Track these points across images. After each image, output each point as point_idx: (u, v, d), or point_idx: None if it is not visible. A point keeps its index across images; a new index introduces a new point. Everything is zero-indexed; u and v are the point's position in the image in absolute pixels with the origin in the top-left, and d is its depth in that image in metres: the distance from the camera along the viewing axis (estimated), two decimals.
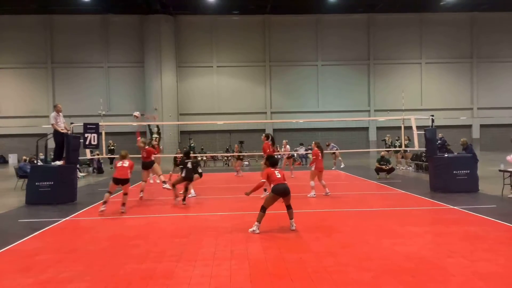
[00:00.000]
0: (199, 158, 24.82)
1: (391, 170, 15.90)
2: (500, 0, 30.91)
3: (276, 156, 8.76)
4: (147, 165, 11.68)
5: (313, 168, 11.42)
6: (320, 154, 11.31)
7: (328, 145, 20.81)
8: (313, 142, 11.98)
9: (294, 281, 4.77)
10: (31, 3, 29.63)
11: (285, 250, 6.04)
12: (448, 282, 4.66)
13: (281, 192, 7.10)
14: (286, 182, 7.26)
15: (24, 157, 16.59)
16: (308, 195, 11.21)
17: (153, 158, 11.86)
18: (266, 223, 7.38)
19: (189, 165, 10.29)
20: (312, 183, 11.32)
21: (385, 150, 18.17)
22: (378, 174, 16.06)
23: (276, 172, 7.28)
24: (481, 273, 4.94)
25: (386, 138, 21.48)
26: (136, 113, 14.86)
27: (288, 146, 19.42)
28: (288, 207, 7.24)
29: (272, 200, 7.12)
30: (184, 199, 10.11)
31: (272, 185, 7.23)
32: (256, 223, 7.05)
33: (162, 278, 4.97)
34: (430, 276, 4.86)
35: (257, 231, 6.97)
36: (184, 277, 5.00)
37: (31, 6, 30.01)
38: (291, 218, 7.24)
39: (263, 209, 7.07)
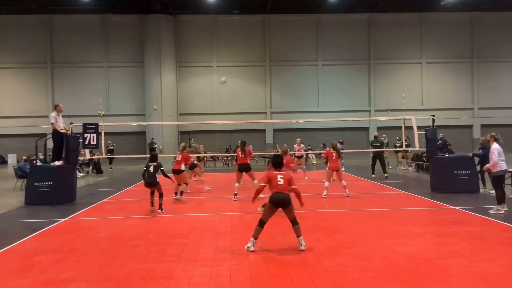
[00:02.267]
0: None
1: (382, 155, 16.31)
2: (501, 0, 30.88)
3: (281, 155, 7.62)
4: (178, 172, 11.22)
5: (327, 168, 11.87)
6: (333, 154, 11.51)
7: (342, 143, 21.00)
8: (331, 143, 12.20)
9: (294, 281, 4.76)
10: (31, 3, 29.58)
11: (285, 250, 6.03)
12: (448, 282, 4.65)
13: (277, 202, 6.00)
14: (288, 192, 6.12)
15: (24, 157, 16.51)
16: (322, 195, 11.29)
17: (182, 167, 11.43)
18: (267, 223, 7.34)
19: (151, 168, 9.24)
20: (326, 183, 11.50)
21: (385, 150, 18.17)
22: (373, 173, 16.16)
23: (278, 176, 6.14)
24: (481, 273, 4.93)
25: (382, 138, 21.42)
26: (224, 79, 17.18)
27: (302, 145, 18.24)
28: (293, 222, 6.08)
29: (269, 211, 6.08)
30: (157, 206, 9.39)
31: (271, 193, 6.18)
32: (251, 238, 6.09)
33: (162, 278, 4.96)
34: (431, 276, 4.85)
35: (252, 248, 6.01)
36: (184, 277, 4.99)
37: (31, 6, 29.94)
38: (298, 236, 6.09)
39: (261, 222, 6.09)
